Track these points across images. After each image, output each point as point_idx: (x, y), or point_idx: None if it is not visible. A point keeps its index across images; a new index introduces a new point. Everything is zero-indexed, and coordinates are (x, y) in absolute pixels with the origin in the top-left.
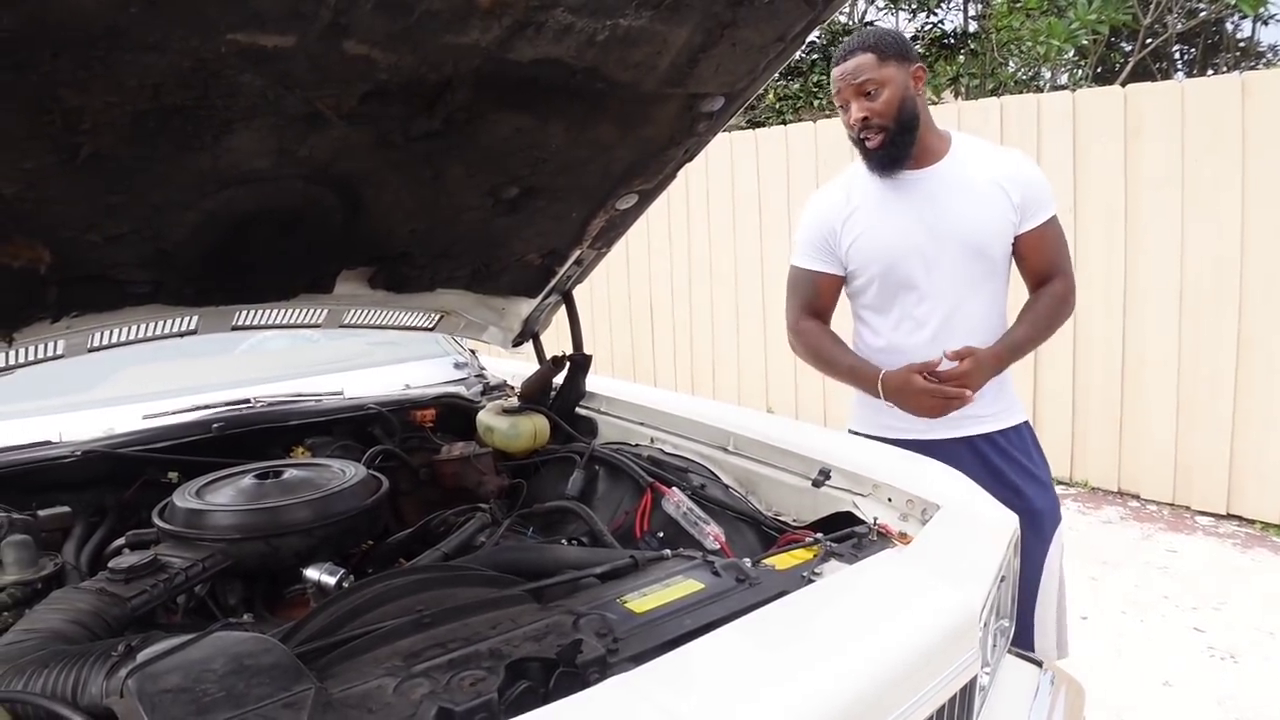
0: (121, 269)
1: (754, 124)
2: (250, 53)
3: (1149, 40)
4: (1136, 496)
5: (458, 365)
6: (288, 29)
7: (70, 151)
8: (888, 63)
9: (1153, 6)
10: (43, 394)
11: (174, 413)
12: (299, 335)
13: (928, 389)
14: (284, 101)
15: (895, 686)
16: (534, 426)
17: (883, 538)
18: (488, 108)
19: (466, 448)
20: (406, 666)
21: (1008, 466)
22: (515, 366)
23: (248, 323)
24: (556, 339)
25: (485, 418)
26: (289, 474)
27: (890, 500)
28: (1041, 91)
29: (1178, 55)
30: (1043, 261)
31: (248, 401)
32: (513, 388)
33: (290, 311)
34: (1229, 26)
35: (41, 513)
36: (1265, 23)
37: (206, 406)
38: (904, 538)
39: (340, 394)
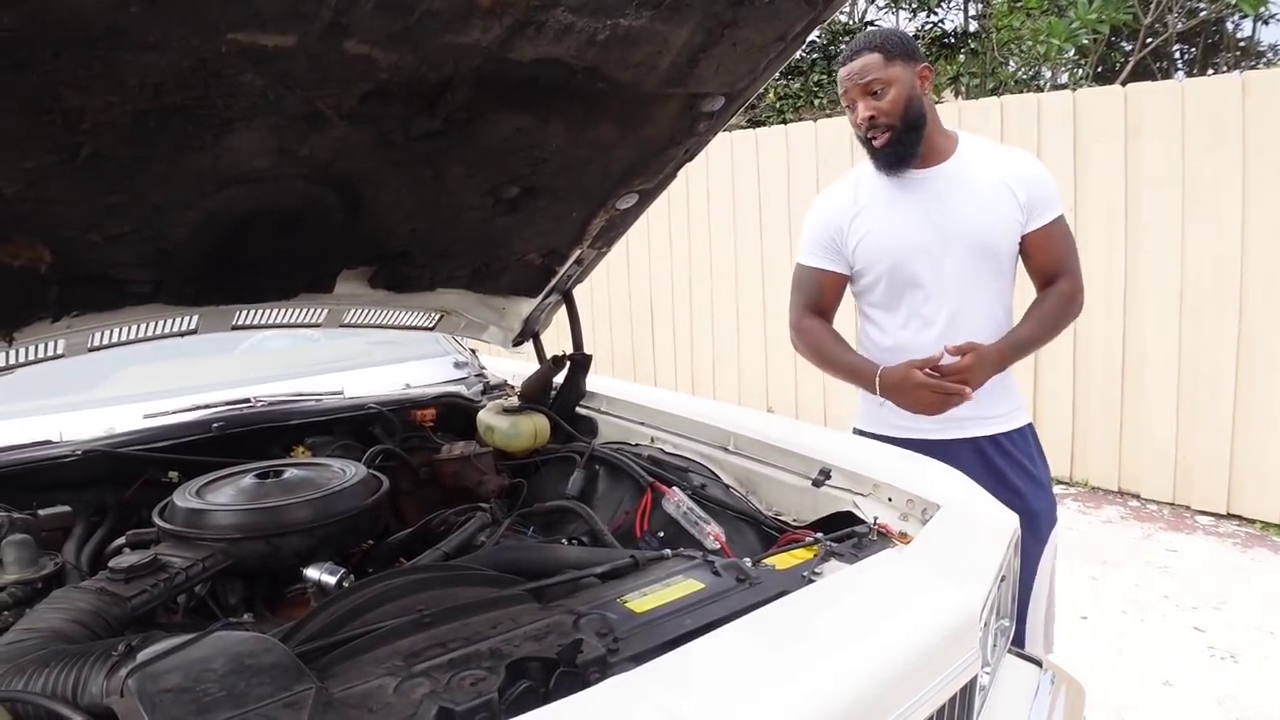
0: (122, 268)
1: (754, 123)
2: (251, 52)
3: (1149, 40)
4: (1137, 496)
5: (458, 365)
6: (288, 29)
7: (70, 151)
8: (894, 62)
9: (1153, 6)
10: (43, 393)
11: (174, 412)
12: (299, 335)
13: (927, 383)
14: (284, 101)
15: (896, 686)
16: (534, 426)
17: (883, 537)
18: (488, 107)
19: (467, 447)
20: (407, 666)
21: (1010, 468)
22: (515, 366)
23: (248, 322)
24: (557, 338)
25: (485, 417)
26: (289, 473)
27: (890, 500)
28: (1042, 91)
29: (1178, 55)
30: (1049, 261)
31: (248, 401)
32: (513, 387)
33: (290, 311)
34: (1229, 26)
35: (42, 512)
36: (1265, 22)
37: (207, 406)
38: (904, 537)
39: (340, 393)
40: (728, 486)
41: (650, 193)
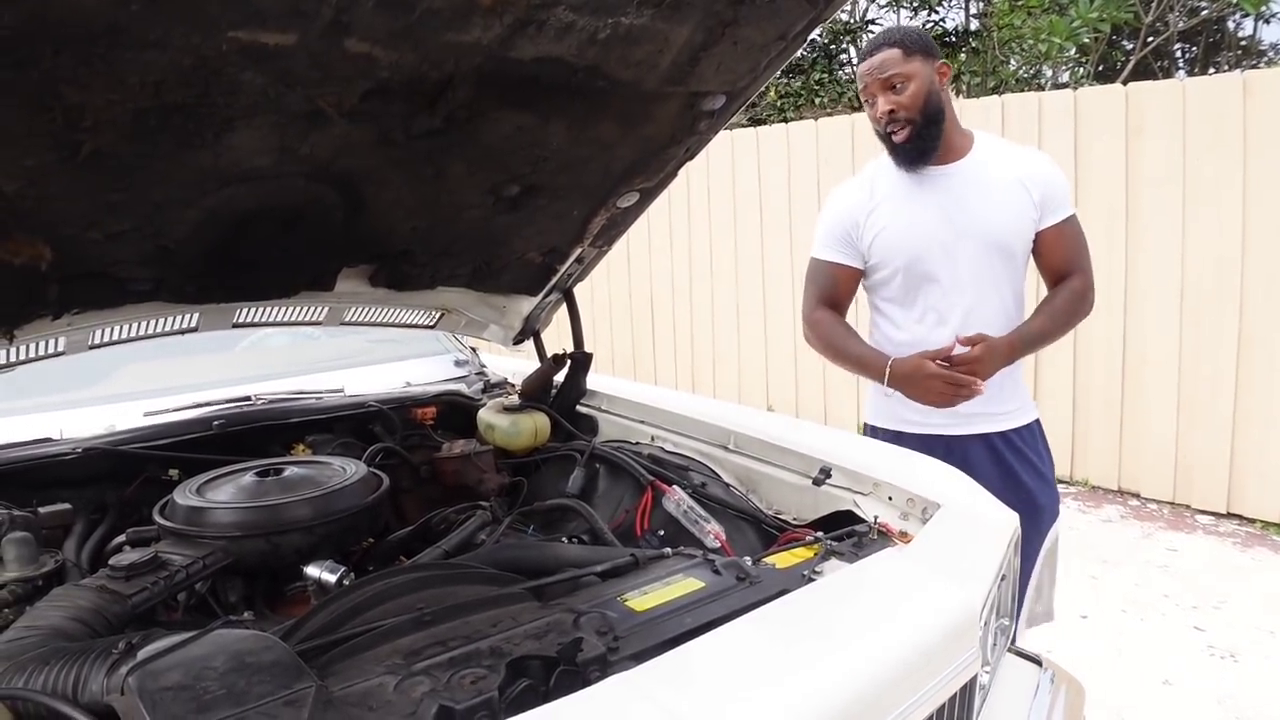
0: (122, 266)
1: (755, 122)
2: (251, 50)
3: (1150, 38)
4: (1137, 495)
5: (458, 363)
6: (289, 26)
7: (71, 149)
8: (913, 57)
9: (1154, 5)
10: (44, 391)
11: (175, 410)
12: (300, 333)
13: (939, 374)
14: (285, 99)
15: (896, 685)
16: (534, 424)
17: (883, 536)
18: (489, 106)
19: (467, 445)
20: (407, 664)
21: (1018, 464)
22: (516, 364)
23: (249, 320)
24: (557, 337)
25: (486, 415)
26: (290, 471)
27: (891, 499)
28: (1043, 90)
29: (1179, 54)
30: (1061, 258)
31: (249, 399)
32: (513, 385)
33: (291, 309)
34: (1230, 25)
35: (42, 510)
36: (1267, 21)
37: (207, 404)
38: (904, 536)
39: (341, 391)
40: (728, 485)
41: (651, 191)
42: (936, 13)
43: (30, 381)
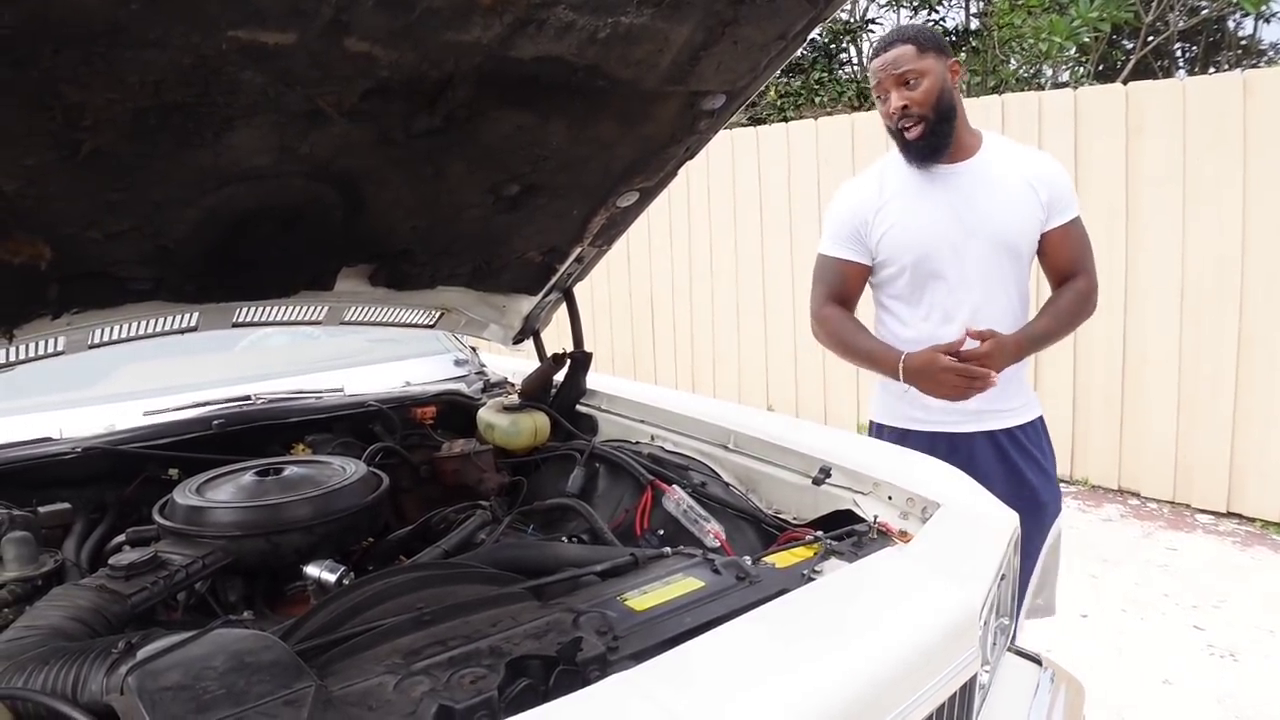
0: (122, 266)
1: (755, 121)
2: (251, 50)
3: (1151, 38)
4: (1137, 494)
5: (458, 362)
6: (288, 26)
7: (71, 148)
8: (927, 54)
9: (1154, 4)
10: (43, 390)
11: (175, 409)
12: (299, 332)
13: (953, 367)
14: (285, 99)
15: (895, 685)
16: (534, 424)
17: (883, 536)
18: (489, 105)
19: (467, 445)
20: (407, 664)
21: (1022, 460)
22: (516, 364)
23: (248, 320)
24: (557, 336)
25: (486, 415)
26: (289, 471)
27: (890, 498)
28: (1043, 89)
29: (1179, 53)
30: (1066, 259)
31: (248, 398)
32: (513, 385)
33: (291, 308)
34: (1231, 24)
35: (42, 509)
36: (1267, 21)
37: (207, 403)
38: (904, 536)
39: (341, 391)
40: (728, 485)
41: (651, 191)
42: (937, 12)
43: (30, 381)
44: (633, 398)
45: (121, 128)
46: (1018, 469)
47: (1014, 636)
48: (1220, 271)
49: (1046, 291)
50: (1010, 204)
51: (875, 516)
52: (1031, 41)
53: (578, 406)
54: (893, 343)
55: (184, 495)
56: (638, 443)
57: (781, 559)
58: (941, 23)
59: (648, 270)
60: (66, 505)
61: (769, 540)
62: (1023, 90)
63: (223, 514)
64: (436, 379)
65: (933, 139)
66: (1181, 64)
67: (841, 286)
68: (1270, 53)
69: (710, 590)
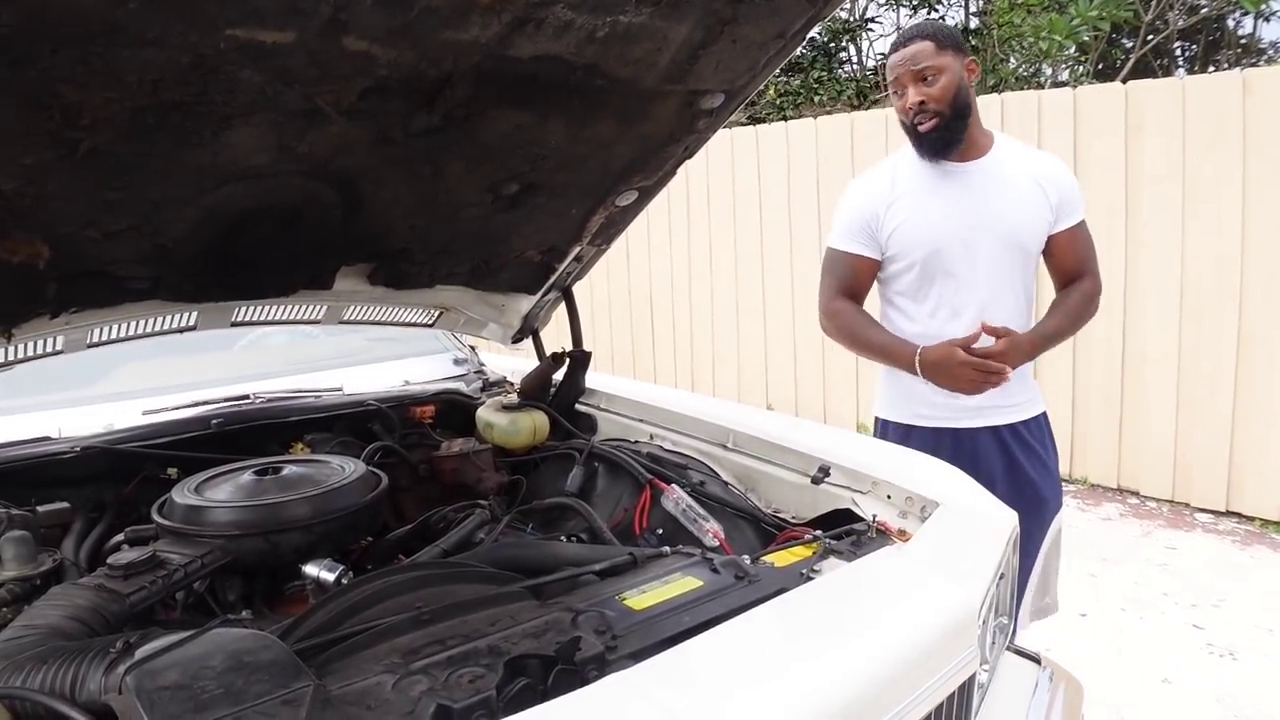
0: (120, 265)
1: (754, 120)
2: (249, 48)
3: (1150, 37)
4: (1136, 493)
5: (457, 361)
6: (287, 25)
7: (69, 147)
8: (945, 51)
9: (1154, 3)
10: (42, 390)
11: (173, 409)
12: (298, 331)
13: (969, 361)
14: (283, 97)
15: (894, 684)
16: (533, 423)
17: (882, 535)
18: (487, 104)
19: (466, 444)
20: (405, 663)
21: (1025, 456)
22: (515, 363)
23: (247, 319)
24: (556, 335)
25: (485, 414)
26: (288, 470)
27: (889, 497)
28: (1042, 88)
29: (1179, 52)
30: (1073, 260)
31: (247, 398)
32: (512, 384)
33: (289, 307)
34: (1230, 23)
35: (41, 508)
36: (1267, 19)
37: (206, 403)
38: (903, 535)
39: (340, 390)
40: (727, 484)
41: (650, 190)
42: (936, 10)
43: (28, 380)
44: (632, 397)
45: (119, 127)
46: (1021, 465)
47: (1013, 635)
48: (1220, 270)
49: (1048, 291)
50: (1021, 204)
51: (874, 515)
52: (1031, 40)
53: (577, 405)
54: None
55: (182, 494)
56: (637, 442)
57: (780, 558)
58: (941, 21)
59: (647, 269)
60: (65, 504)
61: (768, 539)
62: (1022, 89)
63: (221, 513)
64: (435, 378)
65: (946, 134)
66: (1181, 63)
67: (852, 281)
68: (1270, 51)
69: (709, 589)
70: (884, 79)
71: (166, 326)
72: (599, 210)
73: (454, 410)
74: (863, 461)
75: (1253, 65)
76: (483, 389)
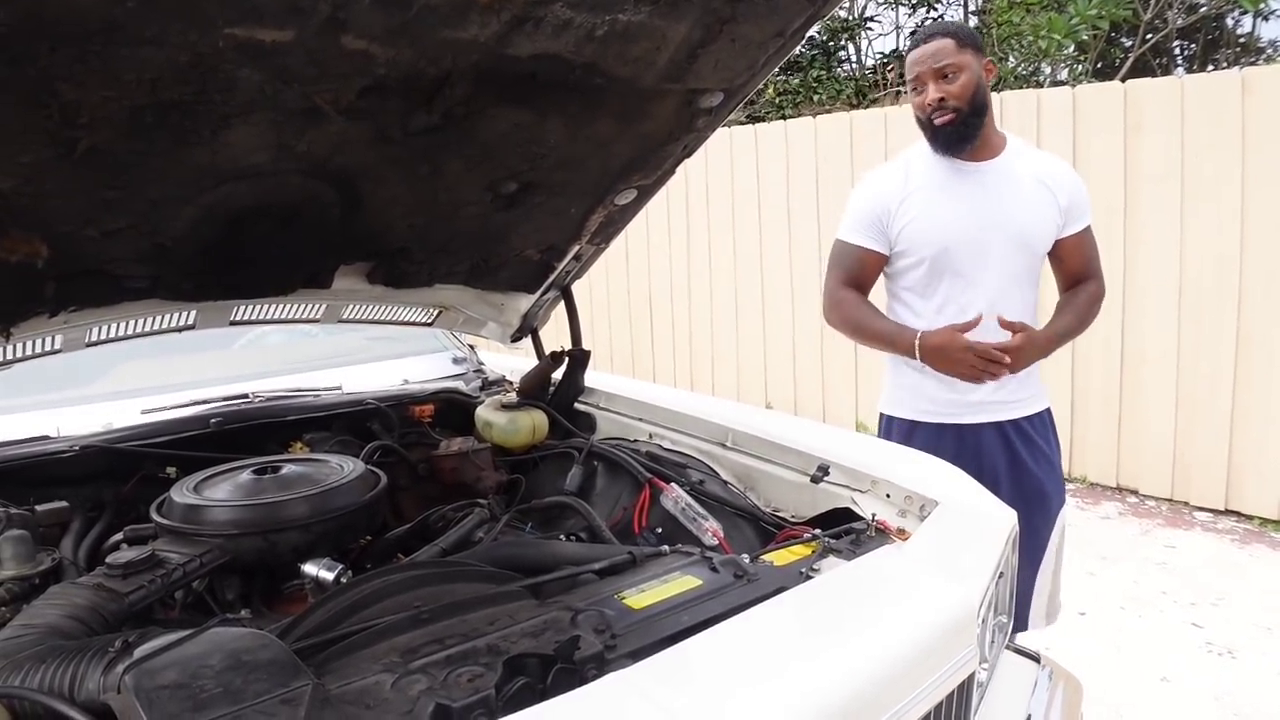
0: (119, 264)
1: (754, 119)
2: (248, 47)
3: (1149, 36)
4: (1135, 492)
5: (456, 360)
6: (286, 23)
7: (67, 146)
8: (965, 49)
9: (1153, 2)
10: (41, 389)
11: (172, 408)
12: (297, 330)
13: (972, 347)
14: (282, 96)
15: (893, 683)
16: (532, 422)
17: (881, 534)
18: (486, 103)
19: (465, 443)
20: (404, 662)
21: (1028, 451)
22: (514, 362)
23: (246, 318)
24: (555, 334)
25: (484, 413)
26: (287, 469)
27: (889, 496)
28: (1041, 87)
29: (1178, 51)
30: (1080, 263)
31: (246, 397)
32: (511, 383)
33: (288, 306)
34: (1229, 22)
35: (39, 508)
36: (1265, 18)
37: (205, 401)
38: (902, 534)
39: (339, 389)
40: (726, 483)
41: (649, 188)
42: (935, 9)
43: (27, 379)
44: (631, 396)
45: (118, 125)
46: (1024, 460)
47: (1012, 634)
48: (1219, 269)
49: (1048, 293)
50: (1031, 206)
51: (873, 514)
52: (1030, 39)
53: (576, 404)
54: None
55: (181, 494)
56: (636, 441)
57: (779, 557)
58: (940, 20)
59: (646, 268)
60: (64, 503)
61: (767, 538)
62: (1021, 88)
63: (220, 512)
64: (434, 377)
65: (962, 128)
66: (1180, 61)
67: (858, 273)
68: (1269, 50)
69: (708, 588)
70: (883, 78)
71: (165, 325)
72: (598, 209)
73: (453, 409)
74: (862, 460)
75: (1252, 64)
76: (482, 388)
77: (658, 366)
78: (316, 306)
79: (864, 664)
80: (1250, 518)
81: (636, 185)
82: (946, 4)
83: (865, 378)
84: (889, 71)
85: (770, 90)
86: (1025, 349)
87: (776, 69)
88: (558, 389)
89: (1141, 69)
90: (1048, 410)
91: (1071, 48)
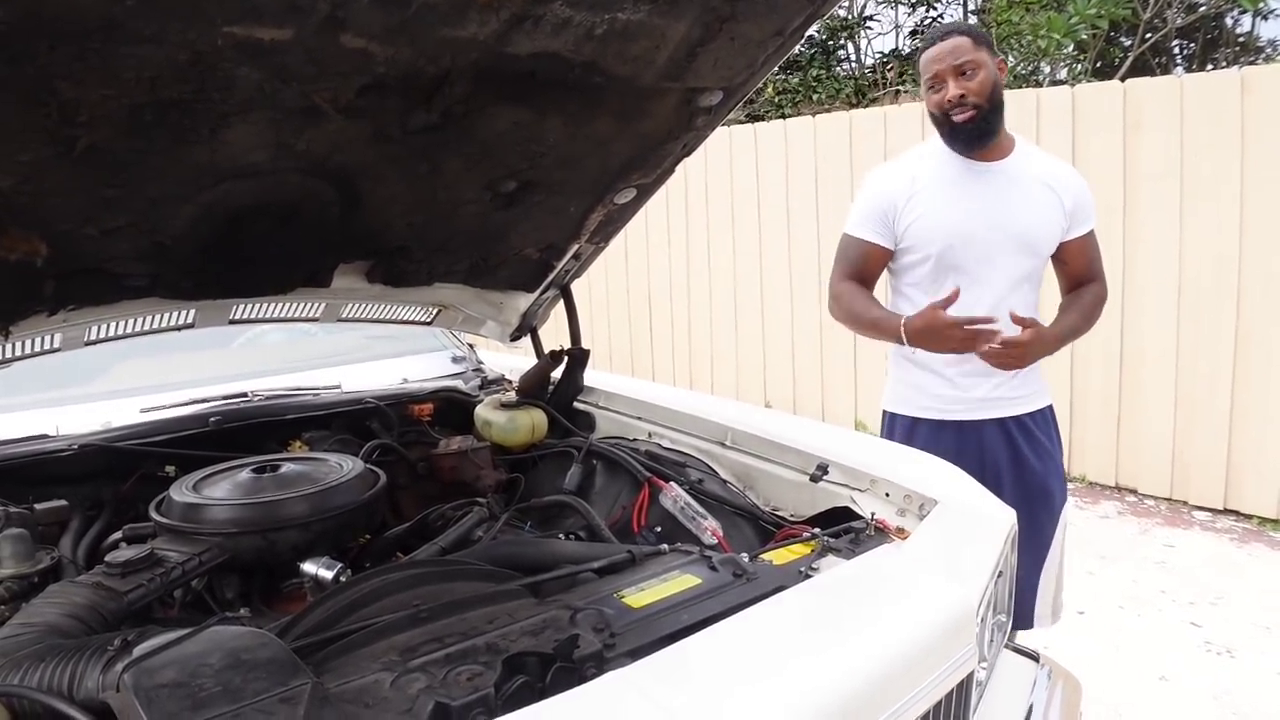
0: (118, 262)
1: (753, 118)
2: (247, 46)
3: (1148, 35)
4: (1134, 491)
5: (455, 359)
6: (285, 22)
7: (67, 144)
8: (981, 48)
9: (1152, 1)
10: (40, 387)
11: (171, 406)
12: (296, 329)
13: (955, 320)
14: (281, 95)
15: (892, 682)
16: (532, 421)
17: (880, 533)
18: (485, 101)
19: (464, 442)
20: (403, 661)
21: (1030, 447)
22: (513, 361)
23: (245, 316)
24: (555, 333)
25: (483, 412)
26: (286, 468)
27: (888, 495)
28: (1041, 86)
29: (1177, 50)
30: (1083, 266)
31: (245, 395)
32: (510, 382)
33: (288, 305)
34: (1228, 21)
35: (38, 506)
36: (1265, 18)
37: (204, 400)
38: (901, 533)
39: (338, 388)
40: (725, 482)
41: (648, 187)
42: (934, 9)
43: (26, 378)
44: (630, 395)
45: (117, 124)
46: (1025, 457)
47: (1010, 633)
48: (1218, 268)
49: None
50: (1037, 208)
51: (873, 513)
52: (1029, 38)
53: (575, 403)
54: None
55: (180, 492)
56: (635, 440)
57: (779, 556)
58: (939, 19)
59: (645, 267)
60: (63, 502)
61: (766, 537)
62: (1021, 87)
63: (219, 511)
64: (434, 376)
65: (983, 124)
66: (1179, 61)
67: (862, 266)
68: (1268, 49)
69: (707, 587)
70: (882, 77)
71: (164, 324)
72: (597, 208)
73: (452, 408)
74: (861, 459)
75: (1251, 63)
76: (481, 387)
77: (657, 365)
78: (315, 305)
79: (863, 663)
80: (1249, 517)
81: (636, 184)
82: (946, 3)
83: (864, 377)
84: (888, 70)
85: (769, 89)
86: (1034, 344)
87: (776, 68)
88: (557, 388)
89: (1141, 68)
90: (1049, 407)
91: (1071, 47)
